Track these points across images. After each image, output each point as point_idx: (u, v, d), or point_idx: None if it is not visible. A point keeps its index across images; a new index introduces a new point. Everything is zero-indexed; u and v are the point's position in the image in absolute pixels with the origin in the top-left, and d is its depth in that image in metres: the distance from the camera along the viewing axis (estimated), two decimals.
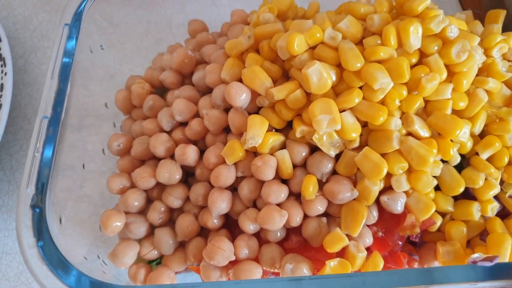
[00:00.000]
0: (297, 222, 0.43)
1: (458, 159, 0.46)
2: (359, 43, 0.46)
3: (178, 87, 0.52)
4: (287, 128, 0.47)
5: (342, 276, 0.38)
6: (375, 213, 0.44)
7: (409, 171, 0.44)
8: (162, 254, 0.47)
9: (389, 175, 0.44)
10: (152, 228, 0.48)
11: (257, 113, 0.47)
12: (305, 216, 0.44)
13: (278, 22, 0.50)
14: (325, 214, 0.45)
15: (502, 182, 0.47)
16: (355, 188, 0.43)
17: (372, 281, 0.37)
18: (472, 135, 0.47)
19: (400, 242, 0.46)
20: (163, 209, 0.47)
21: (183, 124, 0.50)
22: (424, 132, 0.44)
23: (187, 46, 0.58)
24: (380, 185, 0.43)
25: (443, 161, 0.45)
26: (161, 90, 0.55)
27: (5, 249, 0.58)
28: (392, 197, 0.44)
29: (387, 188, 0.45)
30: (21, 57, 0.71)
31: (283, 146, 0.46)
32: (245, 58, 0.48)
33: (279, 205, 0.44)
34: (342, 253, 0.43)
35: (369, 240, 0.44)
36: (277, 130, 0.47)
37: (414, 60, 0.45)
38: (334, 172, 0.45)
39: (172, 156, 0.48)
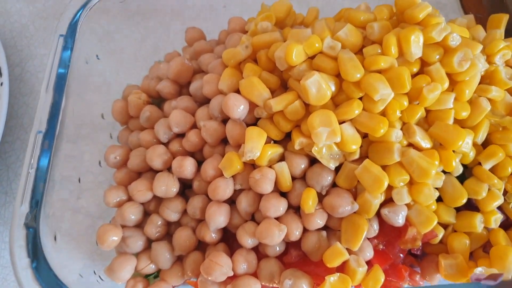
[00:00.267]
0: (297, 236, 0.42)
1: (460, 170, 0.45)
2: (359, 51, 0.45)
3: (175, 97, 0.52)
4: (286, 139, 0.46)
5: None
6: (375, 226, 0.44)
7: (410, 183, 0.43)
8: (160, 268, 0.46)
9: (390, 187, 0.43)
10: (149, 242, 0.47)
11: (255, 124, 0.46)
12: (305, 230, 0.43)
13: (276, 31, 0.49)
14: (325, 227, 0.44)
15: (505, 192, 0.46)
16: (356, 201, 0.43)
17: None
18: (474, 144, 0.46)
19: (401, 255, 0.45)
20: (160, 222, 0.46)
21: (181, 135, 0.49)
22: (426, 143, 0.43)
23: (184, 55, 0.58)
24: (381, 198, 0.43)
25: (445, 171, 0.44)
26: (158, 100, 0.54)
27: (2, 262, 0.58)
28: (393, 210, 0.43)
29: (388, 200, 0.44)
30: (18, 65, 0.71)
31: (282, 158, 0.45)
32: (243, 68, 0.47)
33: (278, 218, 0.43)
34: (342, 268, 0.42)
35: (369, 253, 0.43)
36: (275, 142, 0.46)
37: (415, 69, 0.44)
38: (334, 185, 0.44)
39: (169, 169, 0.47)
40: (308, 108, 0.44)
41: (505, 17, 0.55)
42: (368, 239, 0.44)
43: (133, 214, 0.46)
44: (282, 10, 0.52)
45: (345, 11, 0.51)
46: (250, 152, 0.42)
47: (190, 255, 0.45)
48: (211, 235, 0.44)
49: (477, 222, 0.45)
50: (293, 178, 0.44)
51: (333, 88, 0.43)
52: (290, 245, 0.44)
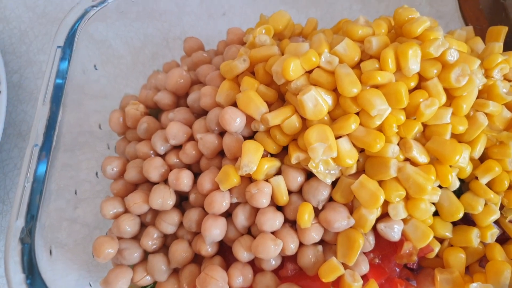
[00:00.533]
0: (292, 250, 0.42)
1: (457, 185, 0.45)
2: (357, 66, 0.45)
3: (173, 108, 0.52)
4: (283, 152, 0.46)
5: None
6: (371, 240, 0.44)
7: (407, 198, 0.43)
8: (156, 280, 0.46)
9: (386, 202, 0.43)
10: (145, 254, 0.47)
11: (252, 137, 0.46)
12: (301, 244, 0.43)
13: (274, 44, 0.49)
14: (321, 241, 0.44)
15: (502, 207, 0.46)
16: (352, 216, 0.43)
17: None
18: (471, 159, 0.46)
19: (397, 269, 0.45)
20: (156, 235, 0.46)
21: (178, 147, 0.49)
22: (422, 158, 0.43)
23: (182, 65, 0.58)
24: (377, 213, 0.43)
25: (441, 186, 0.44)
26: (156, 110, 0.54)
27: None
28: (389, 225, 0.43)
29: (384, 215, 0.44)
30: (16, 72, 0.71)
31: (278, 172, 0.45)
32: (241, 80, 0.47)
33: (274, 232, 0.43)
34: (337, 282, 0.42)
35: (365, 267, 0.43)
36: (272, 155, 0.46)
37: (412, 84, 0.44)
38: (330, 199, 0.44)
39: (166, 181, 0.47)
40: (305, 122, 0.44)
41: (504, 30, 0.55)
42: (364, 253, 0.44)
43: (129, 226, 0.46)
44: (281, 22, 0.52)
45: (343, 23, 0.51)
46: (247, 167, 0.42)
47: (186, 268, 0.45)
48: (207, 249, 0.44)
49: (473, 237, 0.45)
50: (290, 192, 0.44)
51: (330, 103, 0.43)
52: (286, 259, 0.44)
